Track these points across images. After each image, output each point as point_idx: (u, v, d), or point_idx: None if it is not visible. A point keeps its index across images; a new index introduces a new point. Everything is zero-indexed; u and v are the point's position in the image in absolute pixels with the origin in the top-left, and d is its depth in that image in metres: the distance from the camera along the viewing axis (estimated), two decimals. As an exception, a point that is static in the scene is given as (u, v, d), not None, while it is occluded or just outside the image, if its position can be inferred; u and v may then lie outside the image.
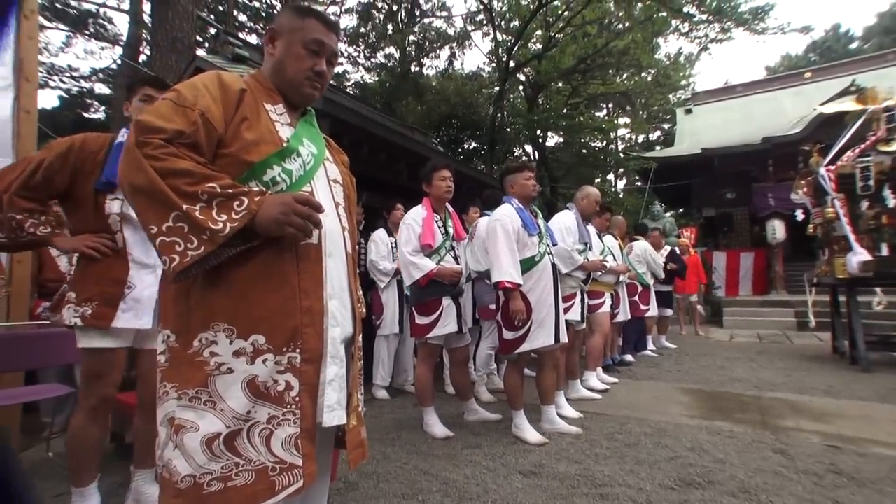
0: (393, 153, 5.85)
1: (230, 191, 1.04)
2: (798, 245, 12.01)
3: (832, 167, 5.60)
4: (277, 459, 1.06)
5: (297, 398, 1.10)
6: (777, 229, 11.33)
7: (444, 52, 20.50)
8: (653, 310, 6.01)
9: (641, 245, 5.92)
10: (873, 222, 5.16)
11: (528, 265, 2.95)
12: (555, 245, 3.33)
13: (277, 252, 1.12)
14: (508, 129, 17.31)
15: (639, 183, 18.22)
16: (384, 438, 2.96)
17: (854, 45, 28.52)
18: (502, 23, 16.35)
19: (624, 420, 3.31)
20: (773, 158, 12.06)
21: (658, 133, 26.12)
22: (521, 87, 18.02)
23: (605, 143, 21.37)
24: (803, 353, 6.46)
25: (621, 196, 21.06)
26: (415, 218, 3.08)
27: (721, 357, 6.04)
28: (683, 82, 21.94)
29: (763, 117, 14.72)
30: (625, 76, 18.00)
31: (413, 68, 19.69)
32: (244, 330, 1.08)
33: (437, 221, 3.10)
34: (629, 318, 5.22)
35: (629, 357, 5.59)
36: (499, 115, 15.78)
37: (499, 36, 16.28)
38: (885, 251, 5.06)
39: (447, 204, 3.23)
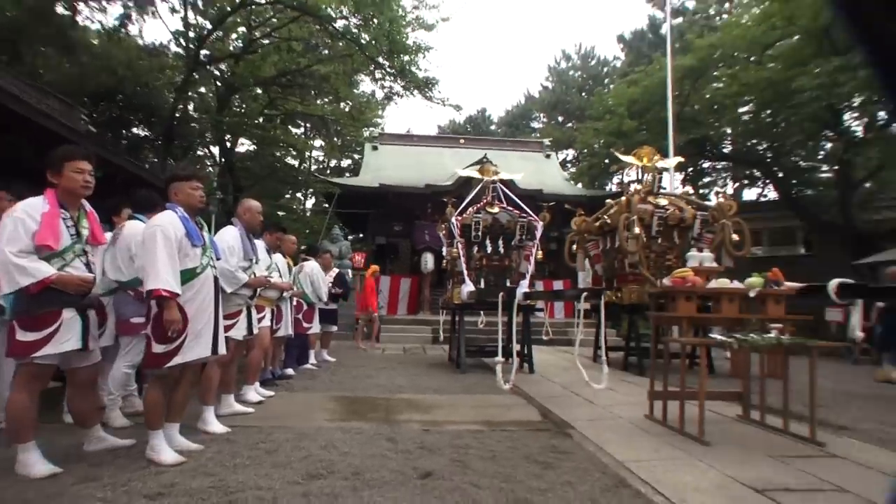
0: (5, 121, 4.47)
1: None
2: (441, 275, 15.03)
3: (460, 217, 7.37)
4: None
5: None
6: (428, 261, 13.85)
7: (115, 8, 16.16)
8: (315, 327, 6.49)
9: (311, 265, 6.35)
10: (478, 263, 7.06)
11: (188, 276, 2.87)
12: (218, 259, 3.30)
13: None
14: (194, 125, 15.67)
15: (326, 205, 19.32)
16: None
17: (493, 127, 38.29)
18: (198, 2, 14.81)
19: (271, 430, 3.48)
20: (431, 202, 14.70)
21: (349, 161, 28.35)
22: (214, 82, 16.63)
23: (299, 161, 21.82)
24: (430, 361, 8.12)
25: (308, 215, 21.81)
26: (29, 212, 2.50)
27: (371, 368, 6.96)
28: (376, 120, 24.68)
29: (429, 167, 17.93)
30: (325, 101, 18.93)
31: (61, 9, 15.07)
32: None
33: (64, 220, 2.61)
34: (291, 334, 5.46)
35: (290, 371, 5.85)
36: (181, 105, 14.08)
37: (191, 16, 14.66)
38: (483, 285, 6.96)
39: (84, 201, 2.78)
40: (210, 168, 16.95)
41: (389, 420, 3.97)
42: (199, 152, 17.49)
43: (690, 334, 4.12)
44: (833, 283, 3.17)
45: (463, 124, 37.58)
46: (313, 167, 25.85)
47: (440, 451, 3.13)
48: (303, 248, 7.26)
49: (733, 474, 2.81)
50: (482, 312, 8.55)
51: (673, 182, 15.46)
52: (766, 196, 19.75)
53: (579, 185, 21.02)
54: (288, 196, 21.10)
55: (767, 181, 17.52)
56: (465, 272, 6.74)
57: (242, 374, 4.33)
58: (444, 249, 8.23)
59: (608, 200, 8.18)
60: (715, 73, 15.57)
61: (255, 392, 4.38)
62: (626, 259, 6.83)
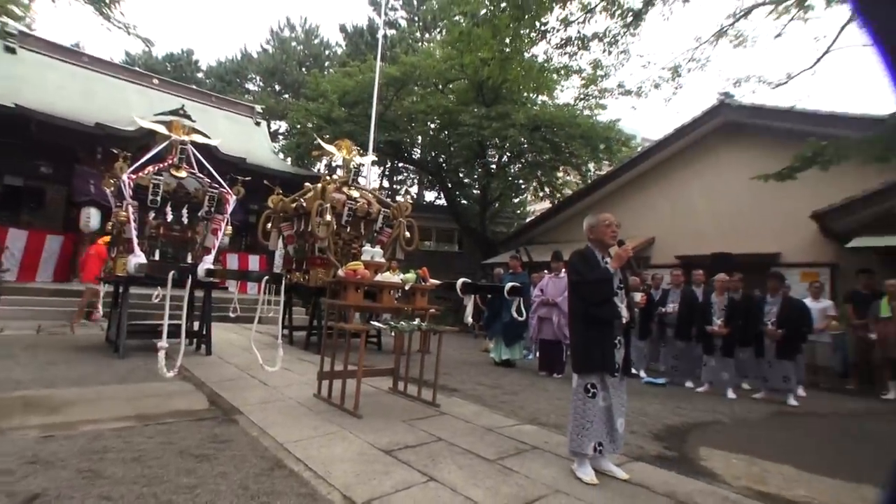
0: None
1: None
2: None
3: (134, 176, 6.23)
4: None
5: None
6: (92, 217, 11.17)
7: None
8: None
9: None
10: (154, 231, 6.15)
11: None
12: None
13: None
14: None
15: None
16: None
17: (200, 76, 32.99)
18: None
19: None
20: (102, 146, 11.90)
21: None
22: None
23: None
24: (79, 343, 6.63)
25: None
26: None
27: (-27, 356, 5.22)
28: (14, 10, 17.86)
29: (106, 100, 14.47)
30: None
31: None
32: None
33: None
34: None
35: None
36: None
37: None
38: (157, 257, 6.11)
39: None
40: None
41: (-11, 429, 3.09)
42: None
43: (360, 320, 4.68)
44: (459, 282, 4.19)
45: (161, 61, 31.41)
46: None
47: (62, 463, 2.62)
48: None
49: (372, 441, 3.34)
50: (158, 286, 7.55)
51: (371, 176, 17.13)
52: (439, 200, 23.93)
53: (288, 160, 20.60)
54: None
55: (440, 188, 21.39)
56: (135, 241, 5.80)
57: None
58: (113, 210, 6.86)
59: (307, 184, 8.38)
60: (415, 88, 18.00)
61: None
62: (317, 243, 7.15)
